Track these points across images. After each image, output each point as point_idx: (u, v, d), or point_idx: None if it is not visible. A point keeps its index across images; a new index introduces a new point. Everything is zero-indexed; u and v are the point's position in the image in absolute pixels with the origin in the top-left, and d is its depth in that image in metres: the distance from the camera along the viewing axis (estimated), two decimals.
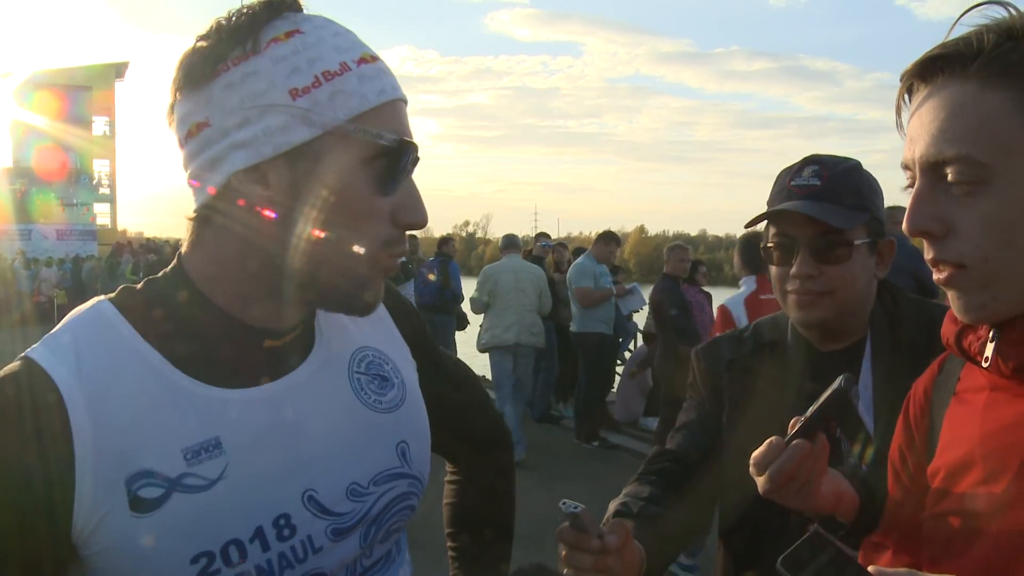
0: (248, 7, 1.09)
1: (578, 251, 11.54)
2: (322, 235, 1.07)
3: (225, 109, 1.06)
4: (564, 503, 1.30)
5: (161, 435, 1.06)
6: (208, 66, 1.07)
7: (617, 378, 11.46)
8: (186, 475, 1.05)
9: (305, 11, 1.12)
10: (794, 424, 1.28)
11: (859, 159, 1.78)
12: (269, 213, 1.08)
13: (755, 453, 1.29)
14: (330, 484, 1.17)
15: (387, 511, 1.24)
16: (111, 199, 49.25)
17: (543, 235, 12.38)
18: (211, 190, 1.10)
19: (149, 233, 56.43)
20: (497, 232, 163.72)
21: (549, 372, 11.05)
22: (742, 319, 5.80)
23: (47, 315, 26.24)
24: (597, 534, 1.30)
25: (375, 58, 1.12)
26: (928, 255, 1.04)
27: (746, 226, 1.87)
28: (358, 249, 1.09)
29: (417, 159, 1.13)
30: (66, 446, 1.01)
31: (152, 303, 1.14)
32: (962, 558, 1.03)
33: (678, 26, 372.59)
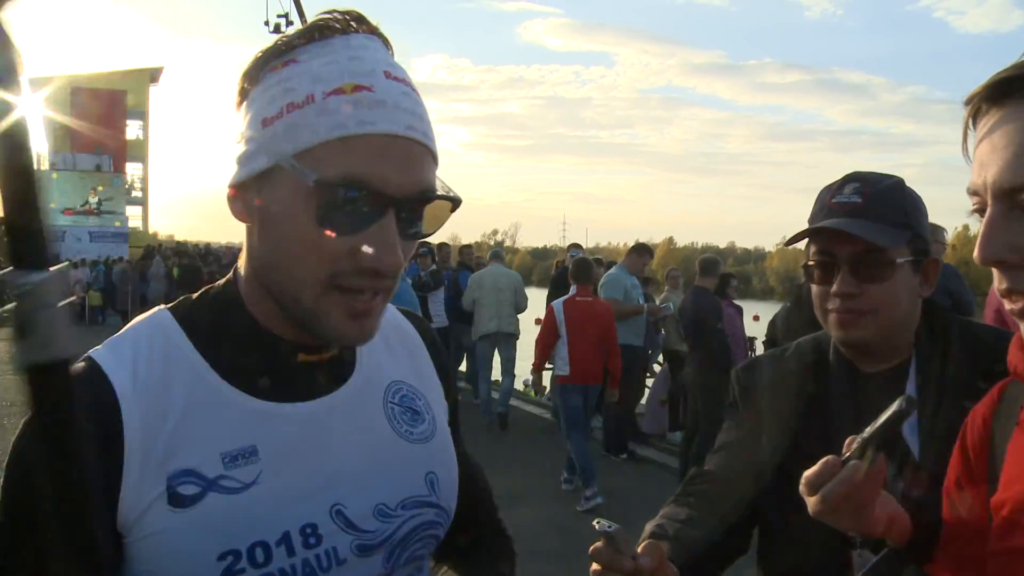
0: (301, 29, 1.15)
1: (597, 261, 11.53)
2: (278, 259, 1.13)
3: (238, 132, 1.15)
4: (599, 522, 1.29)
5: (203, 438, 1.13)
6: (241, 88, 1.16)
7: (647, 391, 11.39)
8: (223, 477, 1.12)
9: (350, 33, 1.13)
10: (850, 444, 1.25)
11: (893, 172, 1.74)
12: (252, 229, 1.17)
13: (808, 472, 1.25)
14: (358, 501, 1.22)
15: (412, 535, 1.27)
16: (143, 202, 49.95)
17: (575, 246, 12.32)
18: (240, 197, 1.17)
19: (180, 236, 57.13)
20: (525, 241, 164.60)
21: None
22: (561, 314, 8.17)
23: (79, 315, 26.62)
24: (631, 555, 1.29)
25: (359, 87, 1.08)
26: (1001, 285, 1.01)
27: (787, 243, 1.84)
28: (299, 283, 1.11)
29: (394, 199, 1.08)
30: (117, 442, 1.08)
31: (203, 313, 1.23)
32: None
33: (711, 37, 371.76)
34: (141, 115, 48.16)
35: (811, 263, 1.73)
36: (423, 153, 1.12)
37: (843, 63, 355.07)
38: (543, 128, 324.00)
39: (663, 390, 10.77)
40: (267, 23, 16.06)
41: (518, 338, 11.72)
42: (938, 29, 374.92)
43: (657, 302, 11.17)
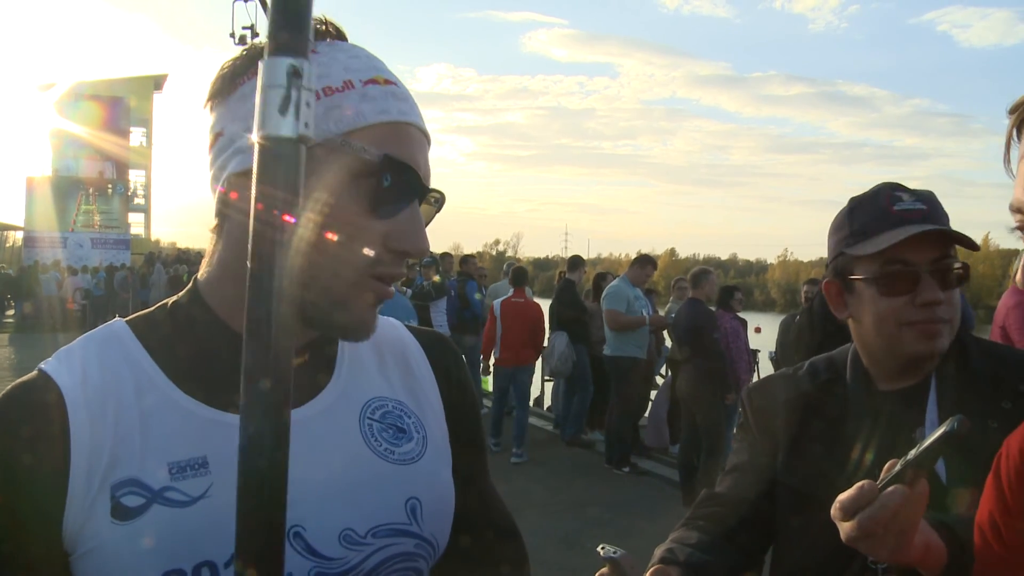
0: None
1: (602, 275, 11.53)
2: (315, 244, 1.06)
3: (236, 118, 1.11)
4: (603, 548, 1.28)
5: (150, 447, 1.07)
6: (229, 81, 1.13)
7: (649, 403, 11.36)
8: (168, 488, 1.06)
9: (336, 40, 1.15)
10: (891, 467, 1.17)
11: None
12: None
13: (843, 496, 1.18)
14: (321, 525, 1.12)
15: (383, 567, 1.16)
16: (146, 209, 50.01)
17: (576, 258, 12.31)
18: (217, 192, 1.14)
19: (182, 243, 57.20)
20: (527, 252, 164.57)
21: (584, 396, 10.97)
22: (499, 311, 10.47)
23: (81, 322, 26.66)
24: None
25: (388, 81, 1.13)
26: None
27: (879, 251, 1.61)
28: (338, 270, 1.08)
29: (424, 188, 1.13)
30: (63, 448, 1.04)
31: (163, 321, 1.19)
32: None
33: (716, 49, 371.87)
34: (145, 122, 48.20)
35: (883, 275, 1.62)
36: (428, 149, 1.18)
37: (847, 76, 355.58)
38: (546, 138, 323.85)
39: (665, 402, 10.73)
40: (232, 35, 16.03)
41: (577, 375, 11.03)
42: (942, 42, 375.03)
43: (662, 313, 11.17)
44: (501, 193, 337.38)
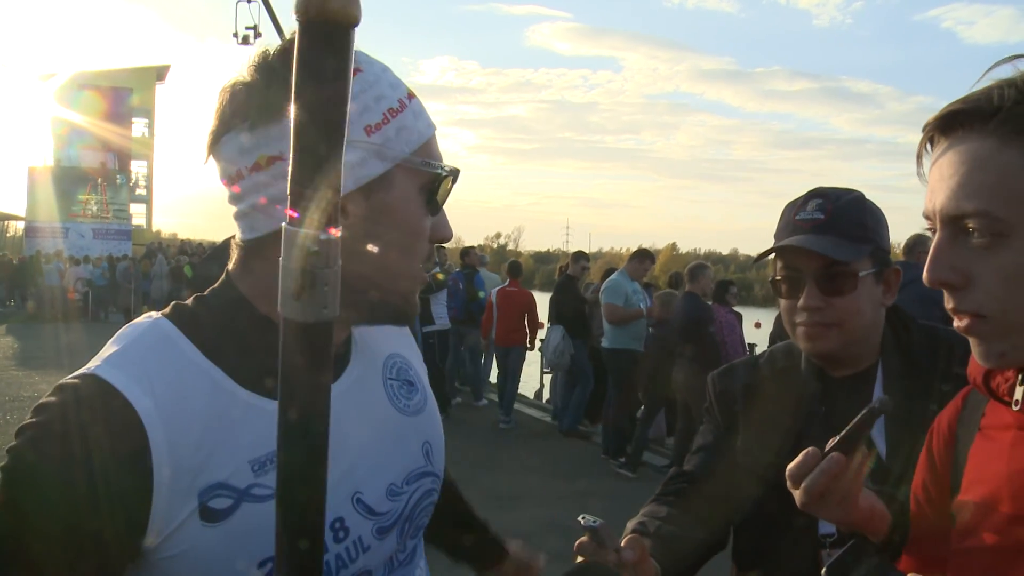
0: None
1: (610, 271, 11.59)
2: (385, 256, 1.17)
3: (243, 154, 1.13)
4: (583, 517, 1.38)
5: (230, 448, 1.10)
6: (280, 101, 1.07)
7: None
8: (254, 485, 1.11)
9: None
10: (832, 441, 1.30)
11: (898, 182, 1.90)
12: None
13: (791, 465, 1.29)
14: (374, 486, 1.25)
15: (417, 507, 1.33)
16: (147, 200, 50.00)
17: (580, 253, 12.38)
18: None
19: (183, 235, 57.23)
20: (528, 245, 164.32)
21: (584, 388, 11.07)
22: (495, 298, 12.05)
23: (82, 311, 26.74)
24: (614, 548, 1.38)
25: (414, 93, 1.22)
26: (948, 304, 1.07)
27: (755, 261, 1.90)
28: (411, 266, 1.21)
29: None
30: (145, 463, 1.04)
31: (207, 320, 1.19)
32: None
33: (720, 44, 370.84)
34: (147, 113, 48.10)
35: (778, 278, 1.80)
36: None
37: (851, 72, 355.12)
38: (549, 132, 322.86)
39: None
40: (235, 35, 15.88)
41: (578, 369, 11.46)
42: (947, 39, 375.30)
43: None
44: (503, 186, 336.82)
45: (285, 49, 1.14)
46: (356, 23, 0.65)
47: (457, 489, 1.78)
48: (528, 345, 12.41)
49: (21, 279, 30.96)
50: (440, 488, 1.40)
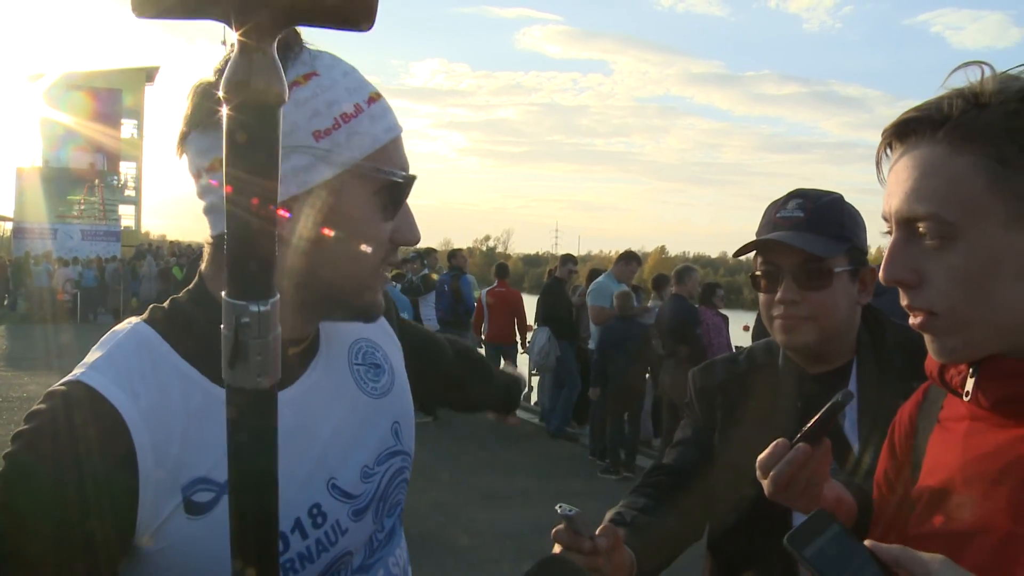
0: None
1: (594, 272, 11.64)
2: (337, 259, 1.20)
3: (210, 151, 1.17)
4: (560, 506, 1.43)
5: (208, 445, 1.14)
6: (203, 114, 1.16)
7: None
8: None
9: (311, 47, 1.20)
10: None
11: (832, 190, 1.89)
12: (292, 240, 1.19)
13: (760, 456, 1.35)
14: (348, 470, 1.30)
15: (390, 486, 1.38)
16: (136, 201, 49.81)
17: (568, 256, 12.44)
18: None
19: (172, 236, 56.97)
20: (517, 248, 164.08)
21: (571, 390, 11.12)
22: (484, 298, 12.41)
23: (71, 313, 26.64)
24: (589, 536, 1.44)
25: (379, 95, 1.23)
26: (903, 302, 1.14)
27: (734, 255, 1.97)
28: (363, 269, 1.23)
29: (409, 186, 1.26)
30: (131, 463, 1.09)
31: (182, 322, 1.23)
32: None
33: (710, 48, 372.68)
34: (136, 114, 47.88)
35: (758, 273, 1.87)
36: None
37: (840, 76, 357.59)
38: (539, 135, 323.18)
39: (650, 396, 10.86)
40: (224, 42, 15.90)
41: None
42: (935, 44, 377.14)
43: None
44: (493, 189, 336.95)
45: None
46: (282, 101, 0.66)
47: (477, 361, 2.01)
48: (519, 344, 12.68)
49: (13, 280, 30.82)
50: (410, 466, 1.46)
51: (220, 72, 1.16)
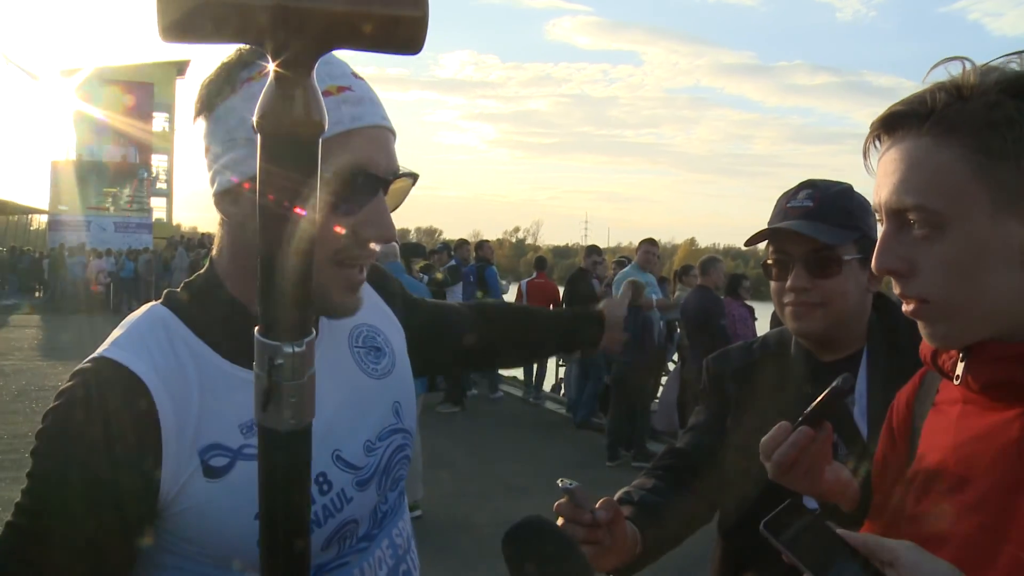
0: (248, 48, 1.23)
1: (619, 263, 11.67)
2: None
3: (216, 138, 1.24)
4: (561, 481, 1.47)
5: (221, 414, 1.23)
6: (211, 99, 1.25)
7: (660, 388, 11.49)
8: (245, 446, 1.23)
9: None
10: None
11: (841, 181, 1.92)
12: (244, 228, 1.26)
13: (763, 439, 1.39)
14: (351, 443, 1.38)
15: (391, 461, 1.45)
16: (168, 194, 50.29)
17: (594, 248, 12.52)
18: (214, 203, 1.28)
19: (203, 228, 57.40)
20: (547, 239, 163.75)
21: (597, 381, 11.15)
22: (524, 288, 13.23)
23: (104, 304, 26.99)
24: (590, 509, 1.48)
25: (342, 88, 1.23)
26: (896, 290, 1.17)
27: (746, 244, 2.00)
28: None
29: (380, 181, 1.24)
30: (155, 429, 1.17)
31: (192, 302, 1.32)
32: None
33: (741, 38, 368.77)
34: (167, 108, 48.29)
35: (769, 261, 1.90)
36: (392, 137, 1.30)
37: (873, 66, 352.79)
38: (569, 126, 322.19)
39: (676, 387, 10.86)
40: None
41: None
42: (973, 31, 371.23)
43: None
44: (522, 180, 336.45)
45: (238, 51, 1.25)
46: (320, 131, 0.62)
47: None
48: None
49: (48, 272, 31.30)
50: (412, 445, 1.52)
51: (238, 55, 1.24)
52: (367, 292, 1.55)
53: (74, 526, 1.12)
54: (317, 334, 1.38)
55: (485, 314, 1.97)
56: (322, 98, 0.62)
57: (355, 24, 0.59)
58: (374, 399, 1.45)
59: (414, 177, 1.34)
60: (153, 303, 1.34)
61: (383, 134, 1.27)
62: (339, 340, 1.45)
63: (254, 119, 0.61)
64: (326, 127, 0.62)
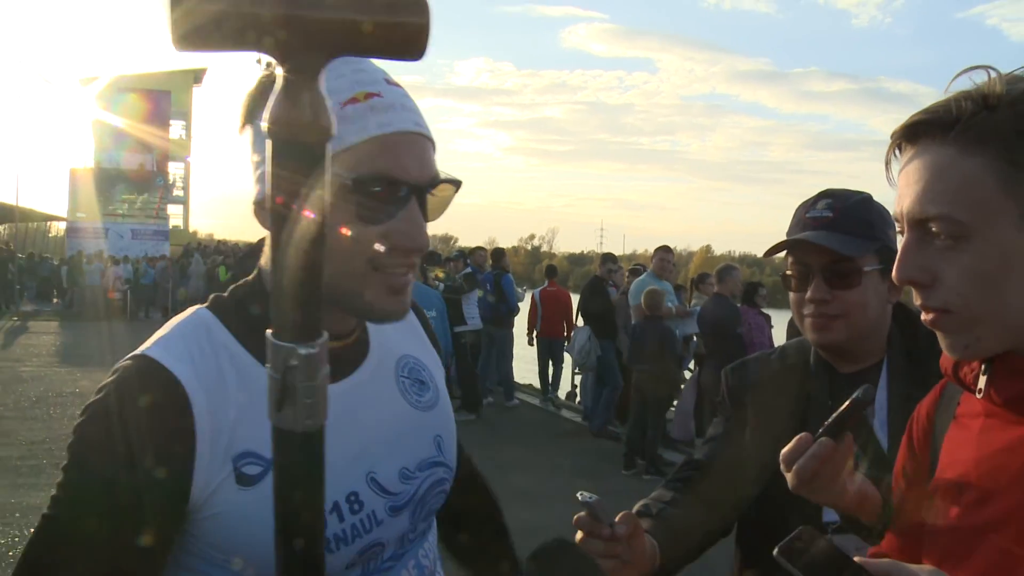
0: None
1: (634, 271, 11.65)
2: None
3: (257, 148, 1.27)
4: (581, 494, 1.46)
5: (258, 423, 1.18)
6: (253, 110, 1.26)
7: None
8: None
9: None
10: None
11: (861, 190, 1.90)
12: None
13: (784, 450, 1.37)
14: (387, 468, 1.37)
15: (428, 493, 1.43)
16: (184, 201, 50.60)
17: (609, 256, 12.53)
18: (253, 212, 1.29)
19: (220, 235, 57.79)
20: (562, 247, 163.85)
21: (613, 389, 11.13)
22: (538, 297, 13.71)
23: (122, 311, 27.18)
24: (609, 523, 1.47)
25: (371, 95, 1.22)
26: (917, 301, 1.16)
27: (765, 255, 1.98)
28: (340, 271, 1.21)
29: (415, 188, 1.23)
30: (190, 431, 1.17)
31: (238, 310, 1.32)
32: (957, 573, 1.09)
33: (757, 45, 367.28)
34: (184, 115, 48.63)
35: (789, 272, 1.89)
36: (429, 144, 1.27)
37: (890, 72, 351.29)
38: (584, 133, 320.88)
39: (692, 395, 10.84)
40: (259, 61, 16.16)
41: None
42: (992, 37, 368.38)
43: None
44: (537, 188, 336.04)
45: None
46: (328, 138, 0.64)
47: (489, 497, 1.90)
48: (566, 340, 13.28)
49: (66, 280, 31.55)
50: (452, 479, 1.50)
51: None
52: (415, 329, 1.59)
53: (100, 535, 1.13)
54: (367, 356, 1.41)
55: (475, 479, 1.87)
56: (329, 104, 0.64)
57: (360, 31, 0.62)
58: (415, 429, 1.45)
59: (456, 184, 1.32)
60: (197, 307, 1.34)
61: (415, 139, 1.24)
62: (387, 367, 1.46)
63: (264, 124, 0.63)
64: (334, 132, 0.64)
